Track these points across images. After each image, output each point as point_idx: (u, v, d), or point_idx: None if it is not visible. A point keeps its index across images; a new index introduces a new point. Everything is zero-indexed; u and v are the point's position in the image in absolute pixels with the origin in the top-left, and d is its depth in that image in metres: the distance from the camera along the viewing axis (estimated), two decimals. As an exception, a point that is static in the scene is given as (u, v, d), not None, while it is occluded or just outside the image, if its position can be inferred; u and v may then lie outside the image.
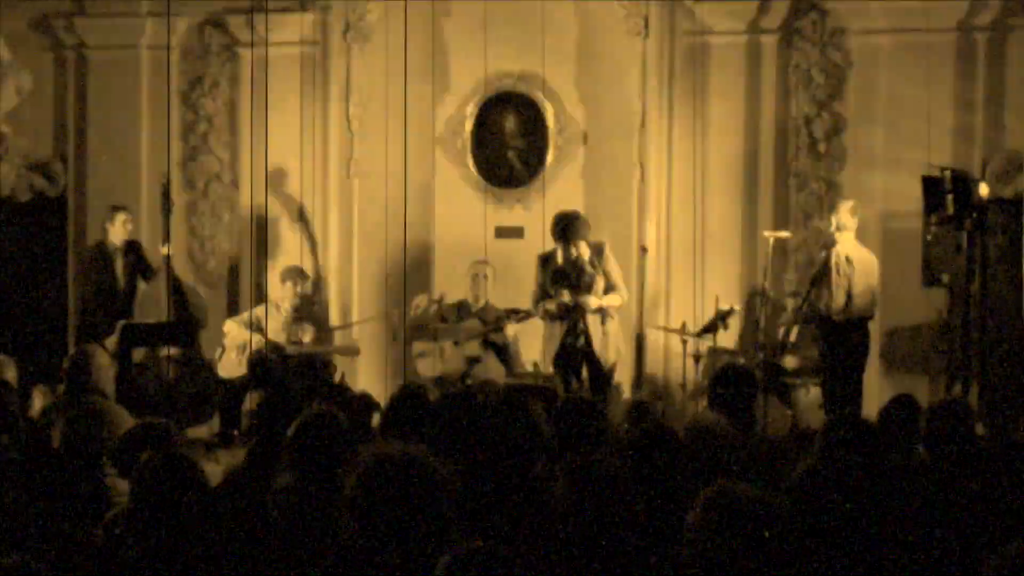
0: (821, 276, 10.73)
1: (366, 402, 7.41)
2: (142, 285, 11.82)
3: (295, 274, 11.93)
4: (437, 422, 6.49)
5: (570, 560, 4.23)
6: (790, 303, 11.46)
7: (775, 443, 7.51)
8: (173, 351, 11.18)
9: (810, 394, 11.25)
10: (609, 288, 10.64)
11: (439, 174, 12.89)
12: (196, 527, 4.48)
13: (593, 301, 10.58)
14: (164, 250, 11.56)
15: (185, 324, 11.41)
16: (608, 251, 10.81)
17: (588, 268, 10.55)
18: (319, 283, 12.59)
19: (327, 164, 12.65)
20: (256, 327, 11.47)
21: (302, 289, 11.87)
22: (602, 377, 10.75)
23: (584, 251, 10.59)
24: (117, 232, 11.74)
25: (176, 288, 11.52)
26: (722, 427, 5.82)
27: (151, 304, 11.44)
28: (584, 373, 10.85)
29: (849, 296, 10.61)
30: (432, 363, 11.50)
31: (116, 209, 11.80)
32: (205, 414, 11.57)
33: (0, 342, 11.40)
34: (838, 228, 10.70)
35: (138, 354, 11.37)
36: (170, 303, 11.34)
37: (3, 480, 5.05)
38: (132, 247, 11.80)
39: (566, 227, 10.62)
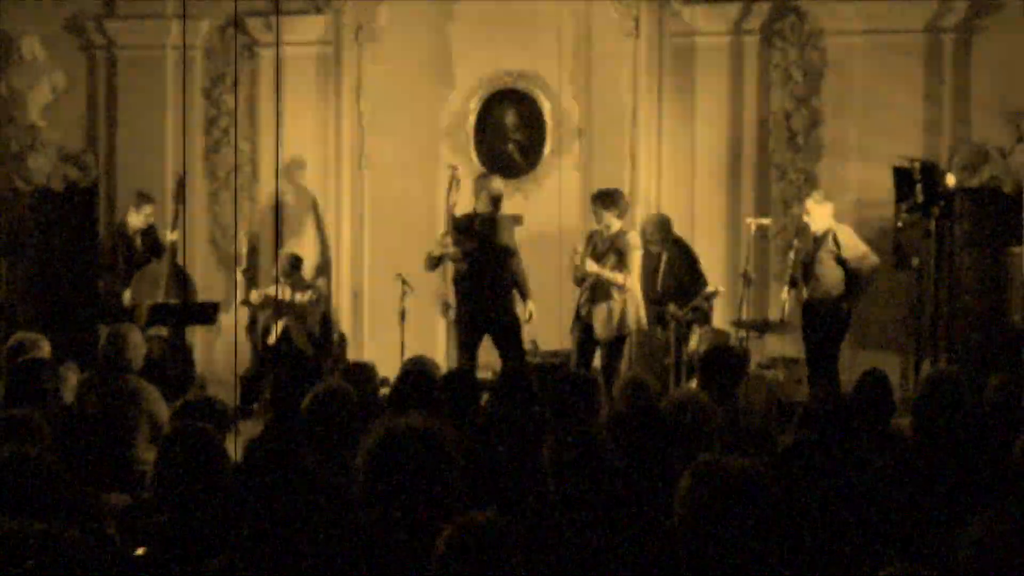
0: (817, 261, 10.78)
1: (372, 375, 7.36)
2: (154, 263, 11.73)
3: (285, 263, 11.87)
4: (442, 396, 6.46)
5: (559, 528, 4.20)
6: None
7: (755, 417, 7.48)
8: (163, 332, 11.07)
9: (787, 372, 11.27)
10: (619, 267, 10.55)
11: (444, 166, 12.83)
12: (217, 495, 4.45)
13: (591, 267, 10.53)
14: (172, 235, 11.48)
15: (209, 305, 11.33)
16: (631, 236, 10.72)
17: (610, 241, 10.56)
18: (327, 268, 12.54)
19: (340, 157, 12.61)
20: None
21: (291, 280, 11.80)
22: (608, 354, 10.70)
23: (613, 223, 10.60)
24: (136, 218, 11.63)
25: (180, 273, 11.41)
26: (703, 402, 5.78)
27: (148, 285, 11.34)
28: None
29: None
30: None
31: (146, 200, 11.69)
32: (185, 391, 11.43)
33: (35, 322, 11.35)
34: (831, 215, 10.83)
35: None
36: (175, 286, 11.25)
37: (34, 452, 4.99)
38: (149, 228, 11.71)
39: (595, 197, 10.72)
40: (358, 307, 12.71)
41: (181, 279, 11.27)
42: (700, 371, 7.22)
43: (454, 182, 10.89)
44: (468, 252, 10.69)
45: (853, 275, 10.70)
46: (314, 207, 12.73)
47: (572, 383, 6.42)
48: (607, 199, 10.66)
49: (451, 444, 3.95)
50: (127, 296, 11.19)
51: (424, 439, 3.90)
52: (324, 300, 12.18)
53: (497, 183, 10.94)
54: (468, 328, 10.78)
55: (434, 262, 10.90)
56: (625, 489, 4.40)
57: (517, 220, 11.12)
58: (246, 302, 11.75)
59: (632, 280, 10.60)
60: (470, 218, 10.80)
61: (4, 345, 8.35)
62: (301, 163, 12.65)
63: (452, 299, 10.96)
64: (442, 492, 3.83)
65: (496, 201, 10.78)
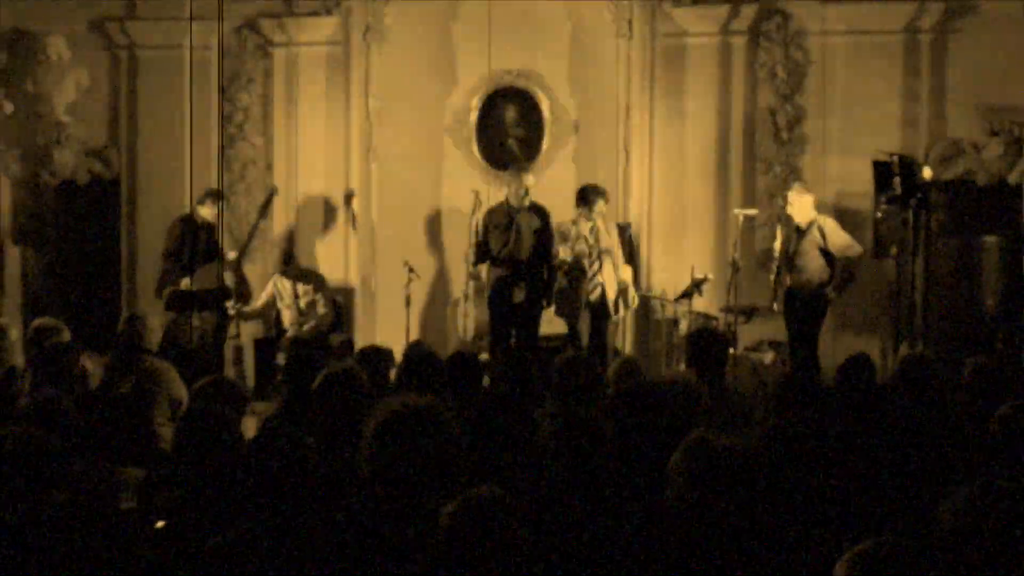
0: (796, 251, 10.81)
1: (386, 357, 7.34)
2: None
3: (278, 260, 11.78)
4: (446, 376, 6.44)
5: (557, 501, 4.18)
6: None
7: (742, 397, 7.45)
8: (208, 318, 11.09)
9: (772, 354, 11.29)
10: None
11: (447, 159, 12.85)
12: (231, 471, 4.43)
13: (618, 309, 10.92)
14: (232, 255, 11.55)
15: (220, 292, 11.34)
16: (611, 227, 11.11)
17: (600, 234, 10.80)
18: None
19: (349, 150, 12.57)
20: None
21: (287, 274, 11.72)
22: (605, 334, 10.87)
23: (598, 216, 10.81)
24: (208, 211, 11.64)
25: (243, 278, 11.43)
26: (691, 382, 5.76)
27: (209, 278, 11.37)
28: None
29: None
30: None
31: (214, 195, 11.69)
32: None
33: (58, 308, 11.34)
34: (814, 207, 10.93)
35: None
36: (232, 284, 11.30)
37: (61, 430, 4.98)
38: (210, 228, 11.75)
39: (594, 192, 10.87)
40: (367, 292, 12.69)
41: (240, 281, 11.31)
42: (687, 353, 7.21)
43: (477, 204, 11.26)
44: (500, 240, 10.97)
45: (841, 266, 10.72)
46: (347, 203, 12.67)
47: (572, 364, 6.40)
48: (602, 193, 10.80)
49: (451, 422, 3.93)
50: (186, 282, 11.20)
51: (424, 418, 3.88)
52: (326, 286, 12.08)
53: (528, 179, 11.19)
54: (500, 309, 11.00)
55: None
56: (620, 465, 4.38)
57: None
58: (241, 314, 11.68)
59: (628, 270, 10.97)
60: (501, 206, 11.13)
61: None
62: (352, 192, 12.61)
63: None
64: (443, 468, 3.80)
65: (523, 192, 11.05)
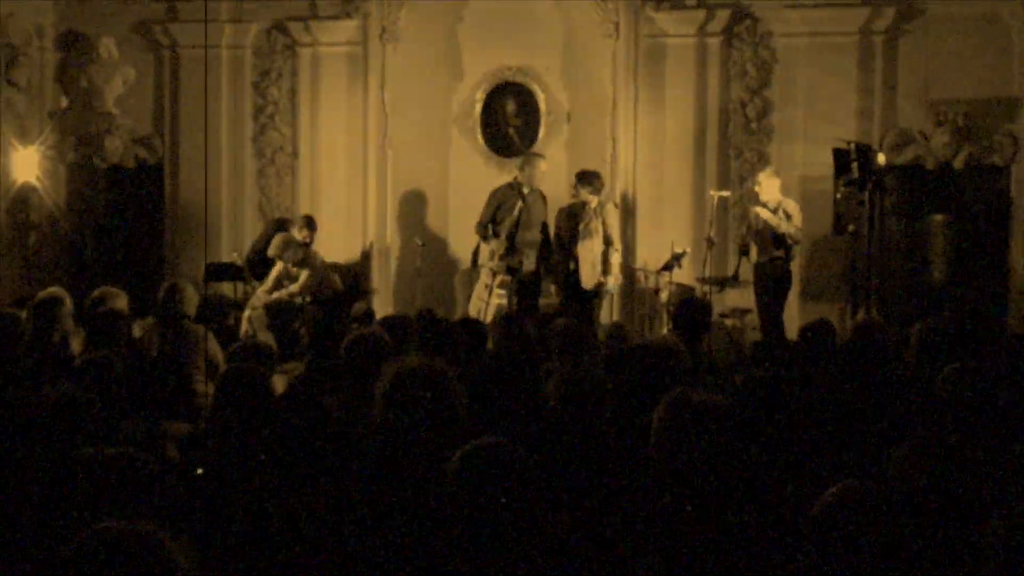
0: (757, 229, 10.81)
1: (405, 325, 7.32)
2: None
3: (278, 248, 11.61)
4: (452, 340, 6.43)
5: (559, 451, 4.17)
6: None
7: (718, 358, 7.46)
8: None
9: (742, 321, 11.30)
10: (607, 239, 10.94)
11: (454, 146, 12.81)
12: (263, 425, 4.43)
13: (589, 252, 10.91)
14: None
15: (236, 267, 11.41)
16: (610, 208, 11.19)
17: (589, 214, 10.87)
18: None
19: (367, 138, 12.54)
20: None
21: (290, 259, 11.57)
22: (586, 303, 10.84)
23: (590, 199, 10.88)
24: (299, 233, 11.65)
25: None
26: (675, 345, 5.75)
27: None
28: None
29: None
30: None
31: (310, 223, 11.79)
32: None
33: (107, 281, 11.34)
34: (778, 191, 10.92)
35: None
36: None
37: (108, 389, 4.97)
38: (306, 244, 11.64)
39: (577, 176, 11.03)
40: (383, 265, 12.67)
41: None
42: (674, 319, 7.20)
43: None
44: (512, 220, 11.08)
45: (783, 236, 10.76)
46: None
47: (569, 329, 6.40)
48: (584, 179, 10.87)
49: (452, 380, 3.92)
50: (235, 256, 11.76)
51: (428, 377, 3.87)
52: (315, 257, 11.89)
53: (543, 164, 11.37)
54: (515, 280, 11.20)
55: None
56: (613, 418, 4.38)
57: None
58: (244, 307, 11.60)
59: (618, 243, 11.05)
60: (509, 187, 11.25)
61: (86, 298, 8.33)
62: None
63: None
64: (446, 422, 3.80)
65: (539, 177, 11.25)
